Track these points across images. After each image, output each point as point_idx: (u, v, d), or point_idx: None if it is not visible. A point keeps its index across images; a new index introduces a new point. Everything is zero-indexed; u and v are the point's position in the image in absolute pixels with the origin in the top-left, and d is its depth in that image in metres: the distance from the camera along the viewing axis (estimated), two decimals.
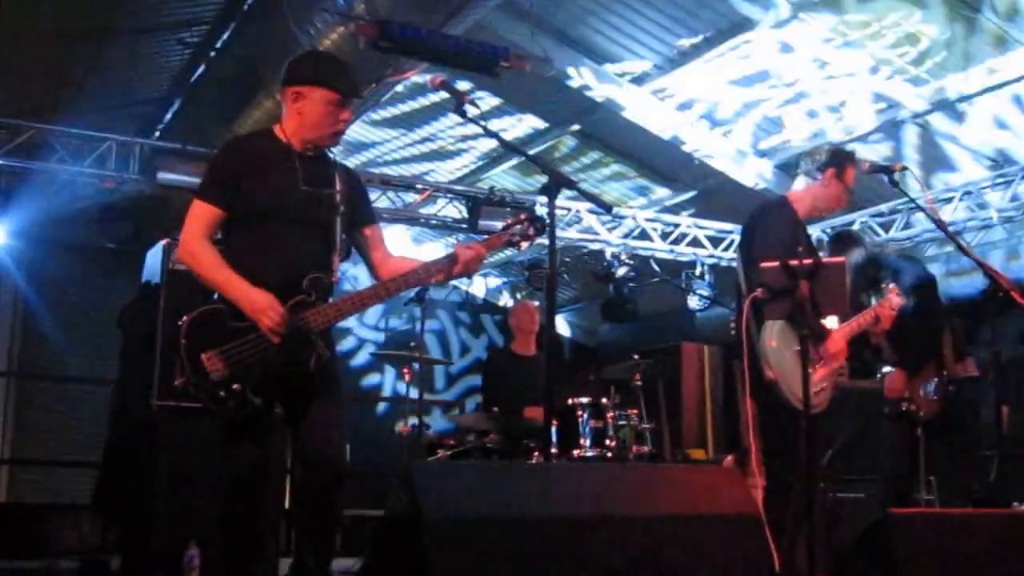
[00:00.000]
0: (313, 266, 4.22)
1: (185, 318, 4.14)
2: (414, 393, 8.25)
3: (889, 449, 6.96)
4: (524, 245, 4.60)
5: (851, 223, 10.72)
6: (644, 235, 11.31)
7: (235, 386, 4.07)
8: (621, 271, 11.31)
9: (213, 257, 4.19)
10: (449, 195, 10.63)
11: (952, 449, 6.94)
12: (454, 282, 11.65)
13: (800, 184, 5.59)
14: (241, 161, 4.31)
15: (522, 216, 4.52)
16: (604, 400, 7.39)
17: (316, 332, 4.16)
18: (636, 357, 8.35)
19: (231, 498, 4.25)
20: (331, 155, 4.47)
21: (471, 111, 4.56)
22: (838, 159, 5.57)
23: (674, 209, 11.89)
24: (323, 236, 4.30)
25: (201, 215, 4.24)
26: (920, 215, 9.83)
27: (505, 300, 15.13)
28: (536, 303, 8.75)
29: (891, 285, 5.68)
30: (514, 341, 8.63)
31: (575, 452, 7.18)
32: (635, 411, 7.59)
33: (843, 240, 7.57)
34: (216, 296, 4.18)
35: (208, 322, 4.13)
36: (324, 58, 4.66)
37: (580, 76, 9.56)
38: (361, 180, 4.70)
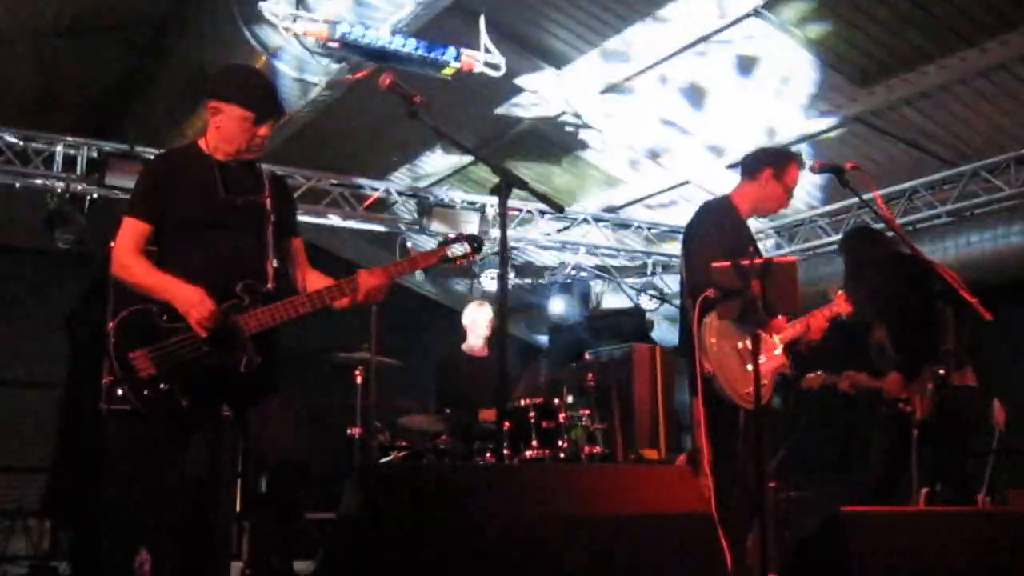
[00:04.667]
0: (246, 272, 4.24)
1: (114, 318, 4.15)
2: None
3: (880, 448, 6.86)
4: (461, 263, 4.65)
5: (799, 223, 10.77)
6: (596, 234, 11.33)
7: (162, 385, 4.06)
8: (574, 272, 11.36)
9: (144, 266, 4.23)
10: (400, 196, 10.60)
11: (946, 451, 6.74)
12: None
13: (742, 183, 5.60)
14: (164, 176, 4.38)
15: (462, 235, 4.59)
16: (556, 401, 7.41)
17: (248, 336, 4.16)
18: (588, 358, 8.35)
19: (180, 502, 4.23)
20: (257, 163, 4.48)
21: (421, 112, 4.55)
22: (777, 159, 5.58)
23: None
24: (255, 243, 4.33)
25: (131, 231, 4.28)
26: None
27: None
28: (488, 304, 8.72)
29: (839, 291, 5.63)
30: (466, 341, 8.61)
31: (527, 453, 7.19)
32: (587, 411, 7.61)
33: (863, 236, 7.21)
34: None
35: (138, 322, 4.14)
36: (243, 74, 4.66)
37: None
38: (291, 190, 4.75)
